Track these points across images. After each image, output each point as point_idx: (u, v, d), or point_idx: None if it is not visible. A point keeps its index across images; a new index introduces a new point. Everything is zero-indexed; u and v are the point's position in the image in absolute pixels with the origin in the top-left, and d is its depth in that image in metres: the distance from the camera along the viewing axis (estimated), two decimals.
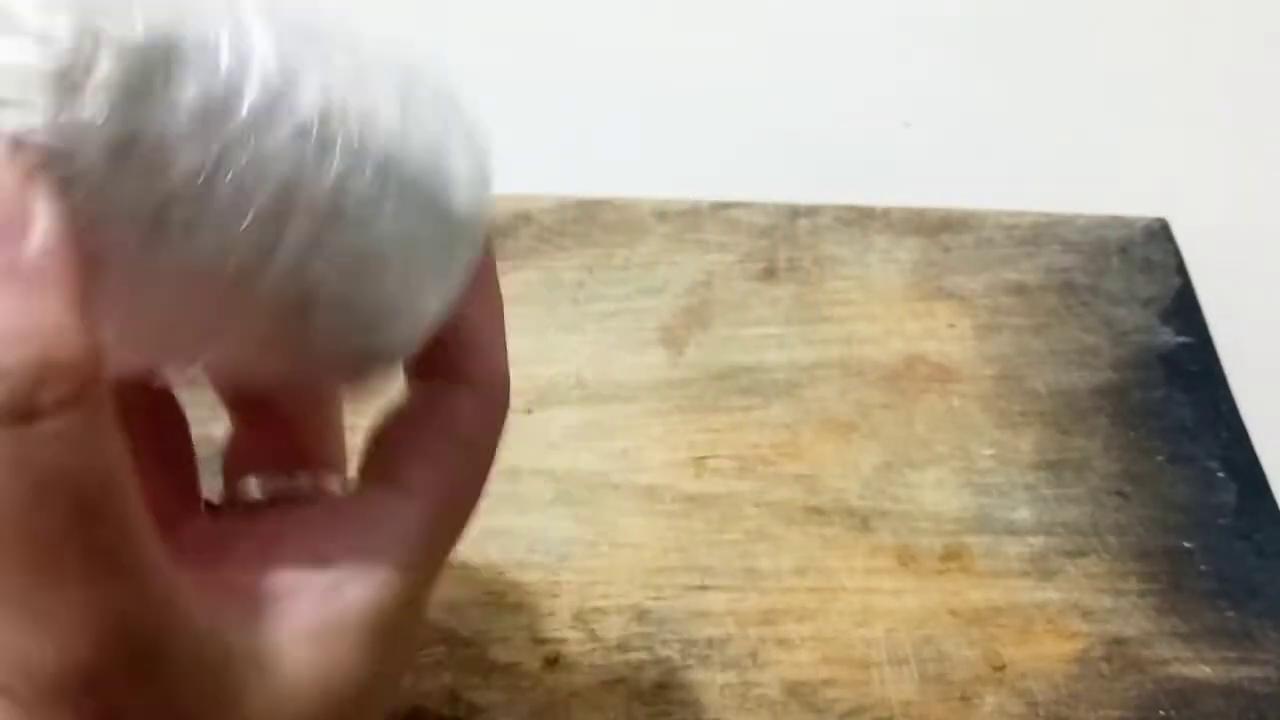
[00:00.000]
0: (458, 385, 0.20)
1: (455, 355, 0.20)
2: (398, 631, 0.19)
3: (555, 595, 0.35)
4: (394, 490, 0.20)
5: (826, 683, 0.34)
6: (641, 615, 0.35)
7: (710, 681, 0.34)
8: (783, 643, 0.34)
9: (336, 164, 0.16)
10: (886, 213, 0.45)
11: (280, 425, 0.22)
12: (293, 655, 0.17)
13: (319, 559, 0.19)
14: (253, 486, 0.22)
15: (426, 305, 0.19)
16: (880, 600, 0.35)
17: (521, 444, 0.38)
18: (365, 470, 0.20)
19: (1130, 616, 0.35)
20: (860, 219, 0.45)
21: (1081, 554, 0.37)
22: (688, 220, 0.45)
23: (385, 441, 0.20)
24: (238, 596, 0.17)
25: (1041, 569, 0.36)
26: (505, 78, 0.52)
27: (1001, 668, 0.34)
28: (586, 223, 0.44)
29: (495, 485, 0.39)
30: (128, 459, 0.14)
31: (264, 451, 0.22)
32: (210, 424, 0.23)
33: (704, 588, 0.35)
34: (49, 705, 0.14)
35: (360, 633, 0.18)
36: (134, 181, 0.14)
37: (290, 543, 0.19)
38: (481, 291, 0.20)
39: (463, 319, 0.20)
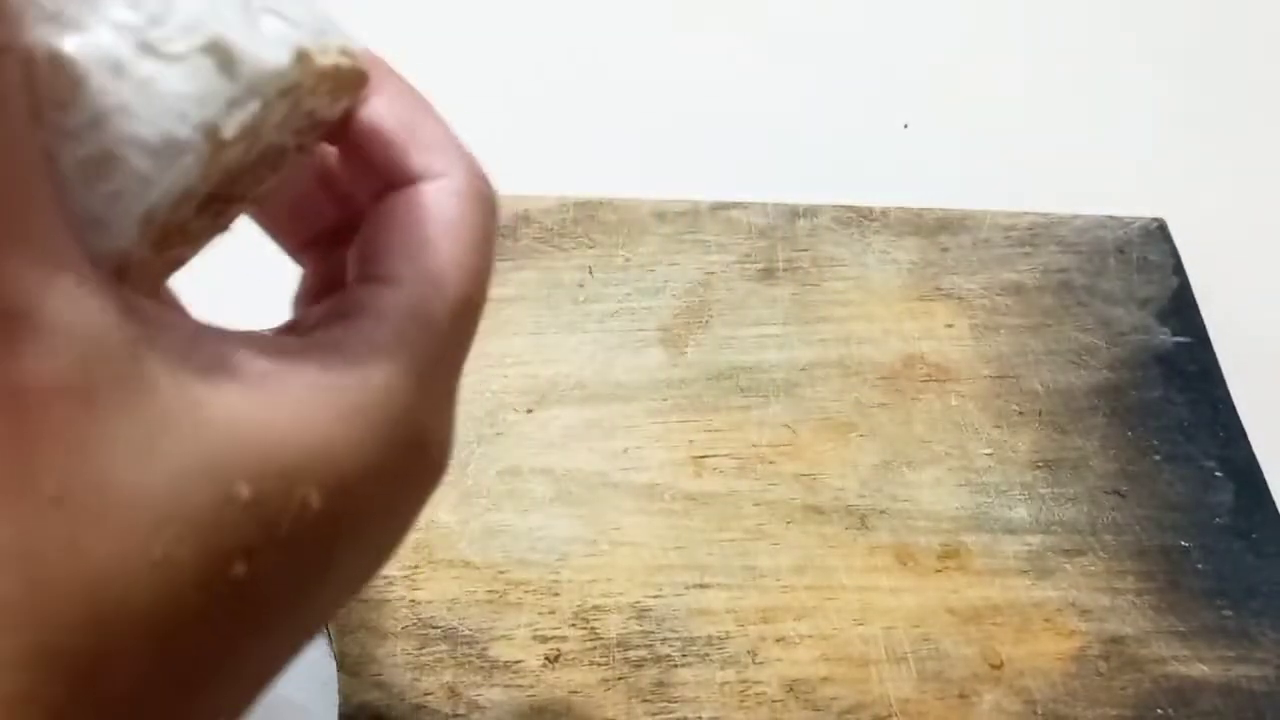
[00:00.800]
0: (420, 183, 0.20)
1: (408, 162, 0.20)
2: (388, 422, 0.18)
3: (555, 594, 0.35)
4: (375, 283, 0.19)
5: (825, 680, 0.34)
6: (641, 613, 0.35)
7: (710, 679, 0.34)
8: (782, 641, 0.35)
9: None
10: (885, 213, 0.46)
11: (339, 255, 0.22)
12: (254, 399, 0.16)
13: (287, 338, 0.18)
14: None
15: None
16: (879, 598, 0.36)
17: (521, 443, 0.38)
18: (351, 278, 0.20)
19: (1128, 615, 0.36)
20: (858, 219, 0.45)
21: (1079, 553, 0.37)
22: (687, 220, 0.45)
23: (364, 246, 0.20)
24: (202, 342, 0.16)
25: (1039, 568, 0.37)
26: (506, 78, 0.53)
27: (999, 666, 0.34)
28: (586, 223, 0.45)
29: (496, 484, 0.40)
30: (36, 147, 0.14)
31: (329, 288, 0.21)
32: None
33: (703, 586, 0.36)
34: None
35: (292, 394, 0.17)
36: None
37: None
38: (398, 99, 0.20)
39: (390, 132, 0.20)
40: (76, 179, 0.16)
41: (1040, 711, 0.34)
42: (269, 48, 0.17)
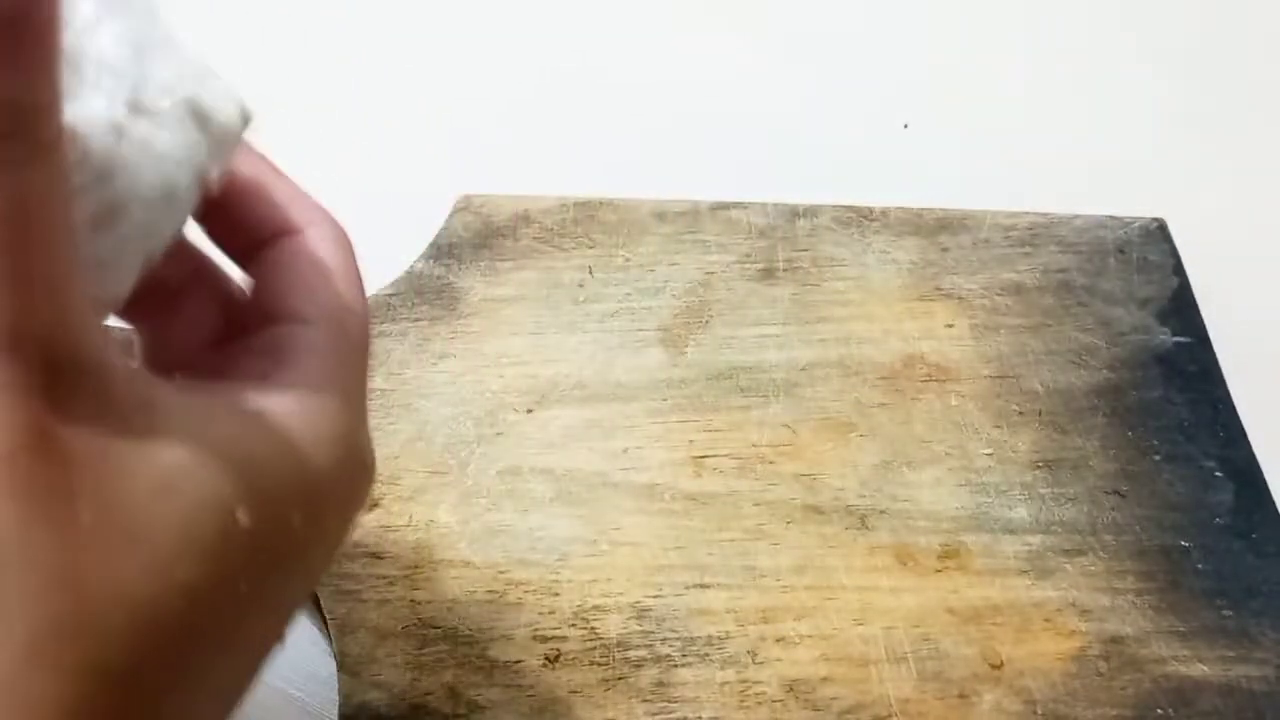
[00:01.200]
0: (295, 234, 0.23)
1: (273, 218, 0.23)
2: (339, 444, 0.21)
3: (555, 593, 0.35)
4: (290, 323, 0.22)
5: (825, 680, 0.34)
6: (641, 613, 0.35)
7: (709, 679, 0.34)
8: (781, 641, 0.35)
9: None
10: (885, 213, 0.46)
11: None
12: (220, 422, 0.19)
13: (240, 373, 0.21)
14: None
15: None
16: (878, 598, 0.36)
17: (521, 443, 0.38)
18: (256, 320, 0.22)
19: (1128, 615, 0.36)
20: (858, 219, 0.45)
21: (1079, 553, 0.37)
22: (687, 220, 0.45)
23: (264, 289, 0.23)
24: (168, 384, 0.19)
25: (1039, 568, 0.37)
26: (506, 79, 0.53)
27: (999, 666, 0.34)
28: (586, 223, 0.45)
29: (496, 484, 0.40)
30: (67, 211, 0.16)
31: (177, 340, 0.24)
32: None
33: (703, 586, 0.36)
34: None
35: (274, 429, 0.19)
36: None
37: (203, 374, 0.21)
38: (250, 164, 0.23)
39: (252, 194, 0.23)
40: (85, 229, 0.18)
41: (1040, 711, 0.34)
42: (223, 103, 0.20)
